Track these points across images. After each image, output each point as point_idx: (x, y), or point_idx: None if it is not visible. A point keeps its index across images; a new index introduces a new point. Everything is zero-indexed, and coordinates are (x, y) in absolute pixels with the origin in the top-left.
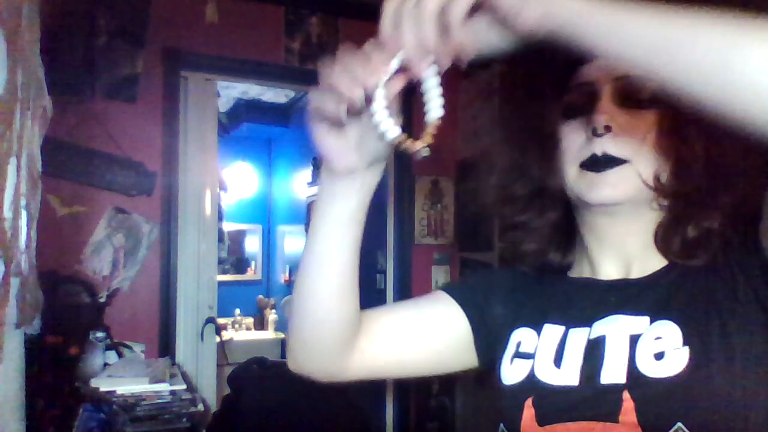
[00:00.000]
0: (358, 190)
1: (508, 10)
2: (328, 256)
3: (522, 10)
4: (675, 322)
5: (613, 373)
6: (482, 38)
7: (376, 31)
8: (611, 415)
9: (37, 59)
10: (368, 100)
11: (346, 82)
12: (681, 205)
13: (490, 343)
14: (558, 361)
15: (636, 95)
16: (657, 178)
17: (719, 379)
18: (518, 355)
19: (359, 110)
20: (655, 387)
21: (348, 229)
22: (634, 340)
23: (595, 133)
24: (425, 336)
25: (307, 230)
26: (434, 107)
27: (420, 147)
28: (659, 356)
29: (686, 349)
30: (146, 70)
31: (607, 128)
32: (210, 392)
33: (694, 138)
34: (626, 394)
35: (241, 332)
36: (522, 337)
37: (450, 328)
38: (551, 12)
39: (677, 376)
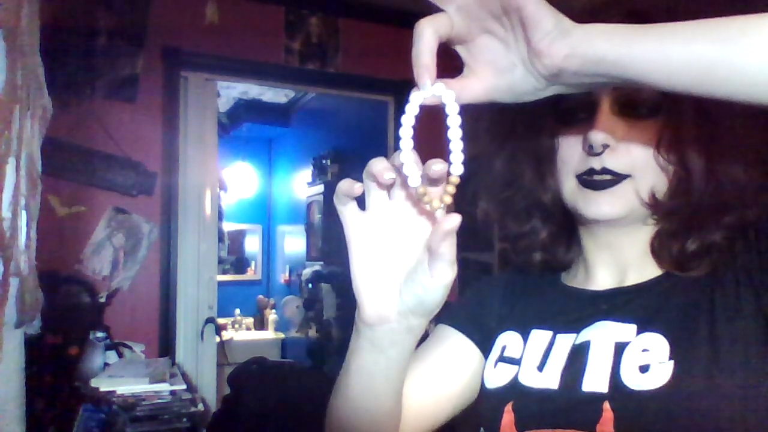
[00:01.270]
0: (393, 342)
1: (538, 41)
2: (369, 405)
3: (553, 43)
4: (663, 335)
5: (595, 381)
6: (505, 81)
7: (375, 32)
8: (589, 424)
9: (37, 59)
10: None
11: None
12: (680, 220)
13: (488, 349)
14: (542, 365)
15: (636, 105)
16: (653, 196)
17: (701, 395)
18: (503, 359)
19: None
20: (635, 399)
21: (380, 382)
22: (619, 348)
23: (592, 151)
24: (450, 387)
25: (307, 231)
26: (455, 162)
27: (437, 207)
28: (644, 369)
29: (671, 363)
30: (146, 70)
31: (605, 146)
32: (210, 392)
33: (693, 154)
34: (606, 405)
35: (241, 332)
36: (507, 341)
37: (466, 363)
38: (584, 46)
39: (659, 389)
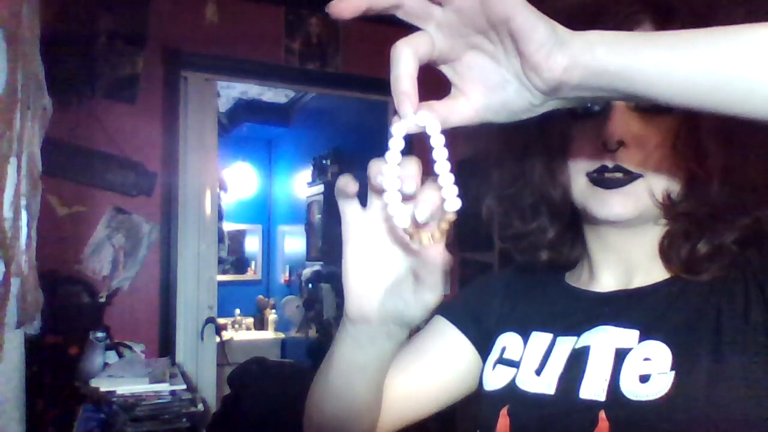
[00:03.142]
0: (372, 342)
1: (533, 54)
2: (345, 396)
3: (551, 55)
4: (666, 343)
5: (593, 388)
6: (498, 99)
7: (375, 32)
8: None
9: (37, 59)
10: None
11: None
12: (693, 221)
13: (486, 350)
14: (540, 369)
15: None
16: (668, 196)
17: (701, 409)
18: (501, 361)
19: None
20: (633, 410)
21: (365, 375)
22: (620, 355)
23: (606, 148)
24: (440, 379)
25: (307, 230)
26: (449, 196)
27: (427, 244)
28: (644, 379)
29: (672, 374)
30: (146, 70)
31: (620, 143)
32: (210, 392)
33: (712, 153)
34: (603, 414)
35: (241, 332)
36: (507, 342)
37: (458, 359)
38: (586, 56)
39: (657, 401)
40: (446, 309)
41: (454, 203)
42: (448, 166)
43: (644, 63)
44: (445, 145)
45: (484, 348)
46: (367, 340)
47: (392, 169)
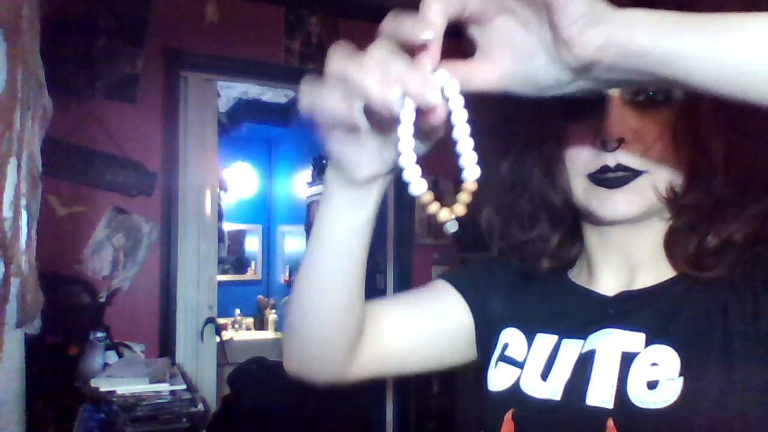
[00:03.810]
0: (375, 197)
1: (566, 28)
2: (333, 274)
3: (585, 31)
4: (674, 348)
5: (599, 394)
6: (523, 69)
7: (375, 32)
8: None
9: (37, 59)
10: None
11: (375, 77)
12: (699, 213)
13: (487, 337)
14: (546, 373)
15: (649, 90)
16: (672, 189)
17: (711, 417)
18: (504, 358)
19: (388, 121)
20: (642, 418)
21: (357, 243)
22: (627, 359)
23: (606, 147)
24: (431, 333)
25: (307, 231)
26: (468, 165)
27: (447, 218)
28: (652, 385)
29: (681, 381)
30: (146, 70)
31: (620, 140)
32: (210, 392)
33: (714, 143)
34: (611, 422)
35: (241, 332)
36: (510, 338)
37: (454, 322)
38: (623, 35)
39: (666, 408)
40: (451, 276)
41: (473, 171)
42: (468, 130)
43: (686, 47)
44: (464, 107)
45: (483, 326)
46: (375, 193)
47: (407, 130)
